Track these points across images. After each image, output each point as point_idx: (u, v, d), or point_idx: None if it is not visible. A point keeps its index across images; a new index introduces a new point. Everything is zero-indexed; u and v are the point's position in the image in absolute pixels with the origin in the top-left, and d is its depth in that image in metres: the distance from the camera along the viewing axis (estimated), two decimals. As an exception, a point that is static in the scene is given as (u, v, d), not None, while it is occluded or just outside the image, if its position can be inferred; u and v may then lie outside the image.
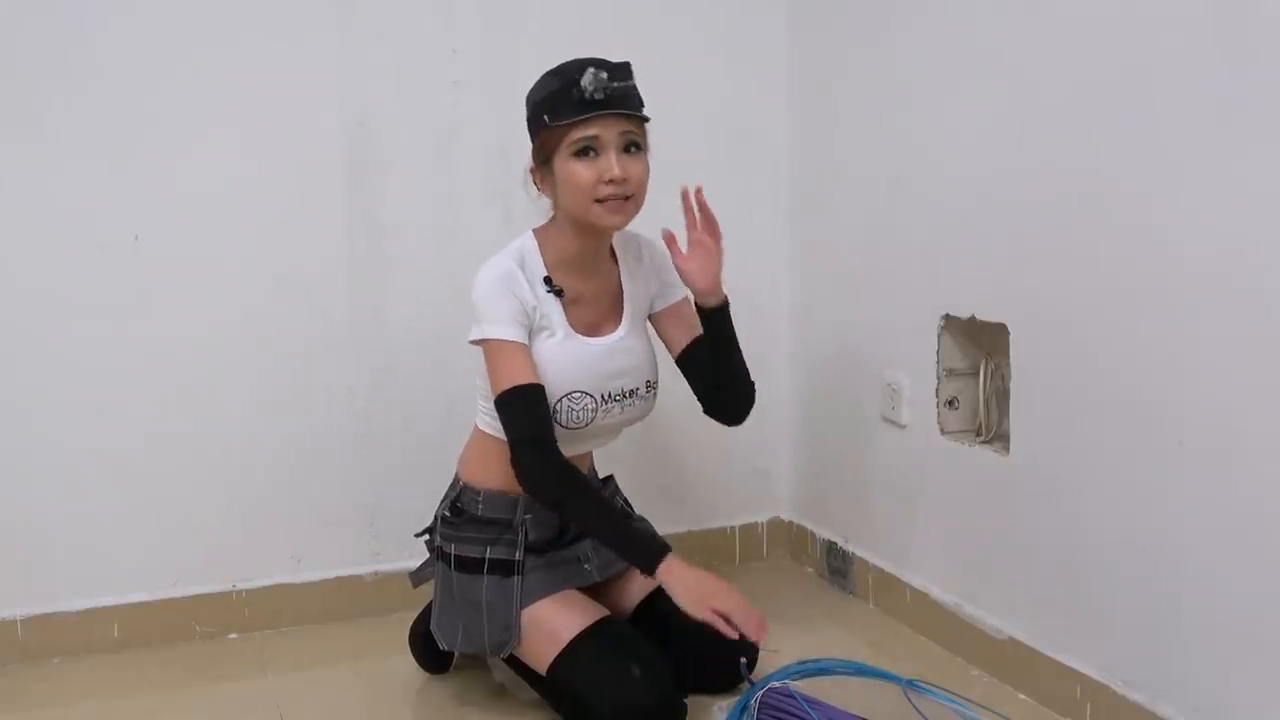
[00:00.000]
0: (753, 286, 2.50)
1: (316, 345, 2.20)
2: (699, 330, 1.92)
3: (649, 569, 1.71)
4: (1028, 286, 1.82)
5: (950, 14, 1.96)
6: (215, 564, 2.18)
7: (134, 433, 2.11)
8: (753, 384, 1.93)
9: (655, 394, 1.92)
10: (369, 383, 2.24)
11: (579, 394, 1.79)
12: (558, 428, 1.78)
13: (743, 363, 1.92)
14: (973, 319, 1.97)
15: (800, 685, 1.74)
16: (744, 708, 1.71)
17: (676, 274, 1.89)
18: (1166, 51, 1.54)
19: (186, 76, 2.08)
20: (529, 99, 1.79)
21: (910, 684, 1.82)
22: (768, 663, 1.89)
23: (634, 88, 1.76)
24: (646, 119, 1.79)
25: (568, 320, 1.81)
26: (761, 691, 1.71)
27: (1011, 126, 1.83)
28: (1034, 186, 1.79)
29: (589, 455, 1.98)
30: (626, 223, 1.79)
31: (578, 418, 1.80)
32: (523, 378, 1.73)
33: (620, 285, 1.91)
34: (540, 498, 1.76)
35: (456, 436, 1.97)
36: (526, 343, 1.76)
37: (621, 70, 1.74)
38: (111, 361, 2.08)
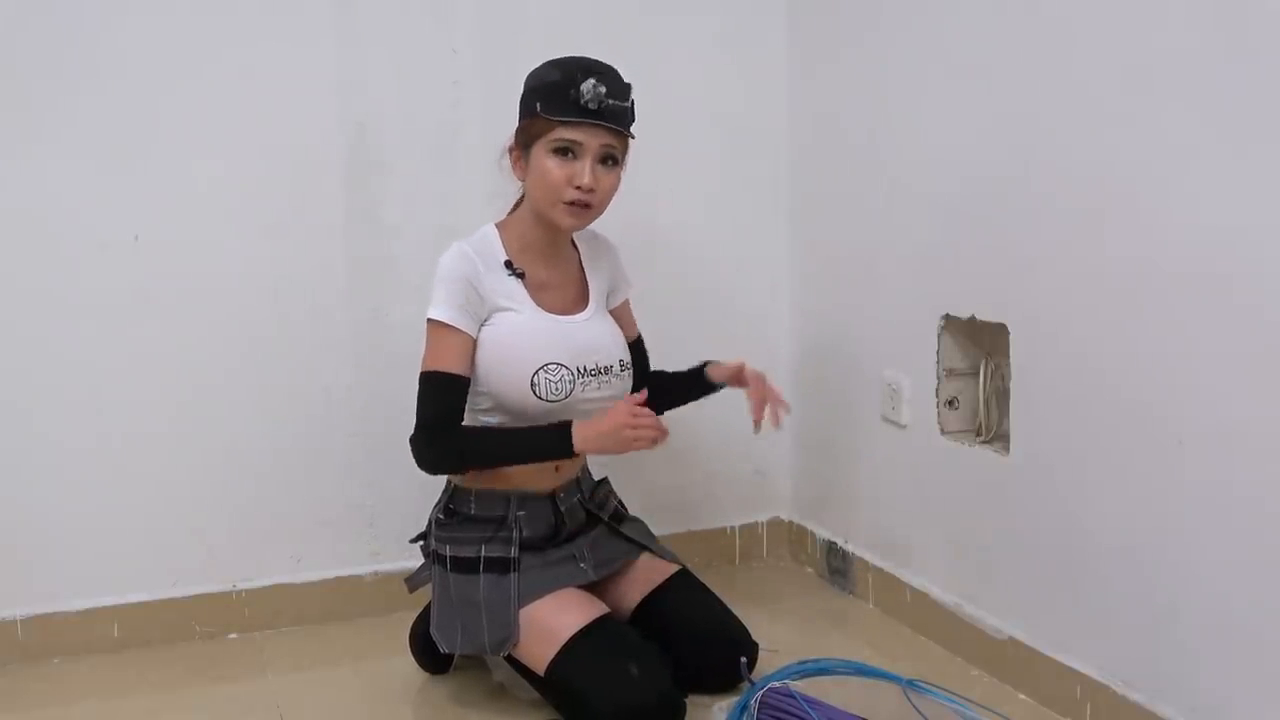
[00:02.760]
0: (753, 286, 2.51)
1: (316, 345, 2.20)
2: (633, 334, 2.04)
3: (568, 454, 1.78)
4: (1028, 286, 1.82)
5: (951, 14, 1.96)
6: (215, 564, 2.18)
7: (134, 432, 2.11)
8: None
9: (630, 375, 1.94)
10: (369, 382, 2.24)
11: (554, 365, 1.81)
12: (538, 401, 1.80)
13: None
14: (973, 319, 1.97)
15: (800, 685, 1.74)
16: (744, 708, 1.71)
17: (624, 275, 2.03)
18: (1167, 51, 1.54)
19: (186, 76, 2.08)
20: (528, 81, 1.84)
21: (910, 684, 1.82)
22: (768, 663, 1.90)
23: (629, 107, 1.81)
24: (632, 136, 1.84)
25: (534, 301, 1.85)
26: (761, 691, 1.71)
27: (1012, 127, 1.83)
28: (1034, 187, 1.79)
29: None
30: (582, 227, 1.88)
31: (556, 389, 1.81)
32: (449, 365, 1.79)
33: (582, 271, 1.96)
34: (439, 469, 1.83)
35: (456, 436, 1.97)
36: (469, 333, 1.80)
37: (621, 89, 1.79)
38: (111, 361, 2.08)
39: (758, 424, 1.95)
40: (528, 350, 1.80)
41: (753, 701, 1.70)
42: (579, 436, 1.76)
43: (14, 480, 2.06)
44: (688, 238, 2.43)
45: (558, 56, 1.82)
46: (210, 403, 2.15)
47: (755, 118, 2.46)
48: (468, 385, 1.81)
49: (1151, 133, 1.57)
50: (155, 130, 2.07)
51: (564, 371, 1.82)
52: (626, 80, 1.81)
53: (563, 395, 1.82)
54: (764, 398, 1.96)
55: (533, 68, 1.84)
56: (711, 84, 2.42)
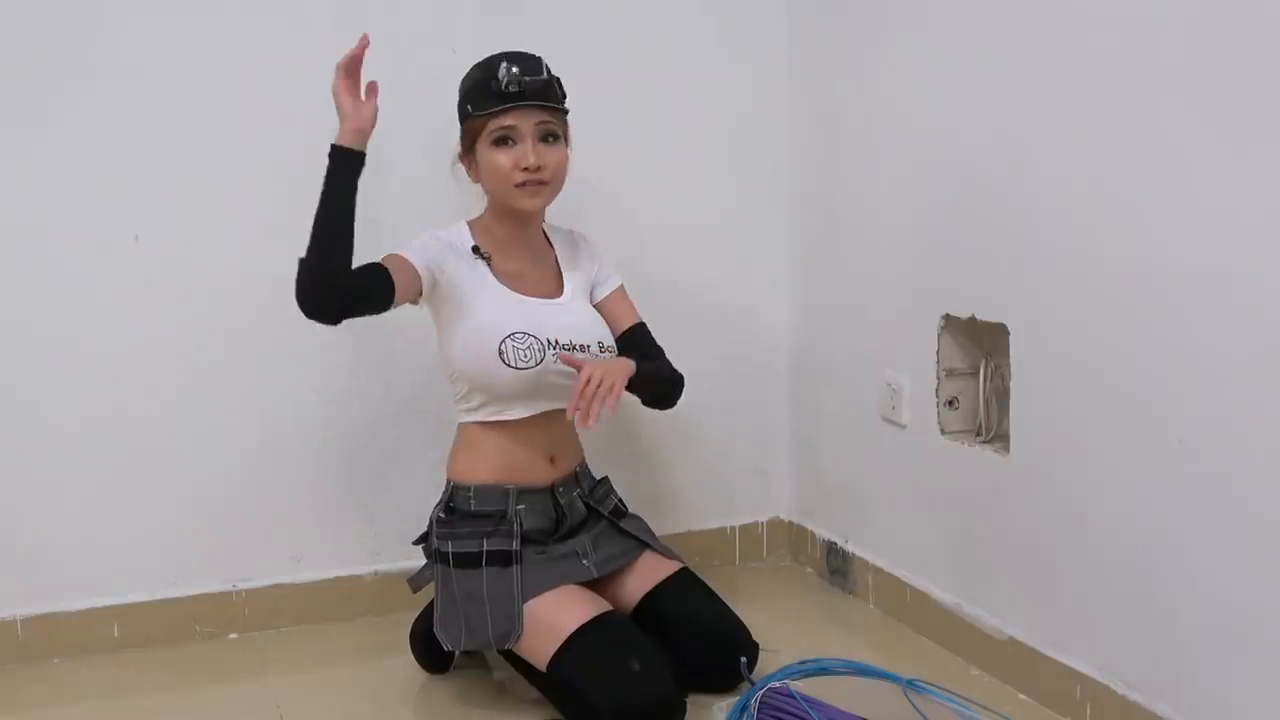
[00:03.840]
0: (753, 286, 2.51)
1: (316, 345, 2.20)
2: (632, 320, 2.01)
3: (342, 156, 1.69)
4: (1028, 286, 1.82)
5: (950, 13, 1.96)
6: (215, 564, 2.19)
7: (134, 432, 2.11)
8: (677, 379, 1.99)
9: (613, 358, 1.90)
10: (368, 383, 2.24)
11: (521, 334, 1.83)
12: (509, 370, 1.81)
13: (666, 376, 1.97)
14: (973, 319, 1.97)
15: (800, 685, 1.74)
16: (744, 708, 1.71)
17: (608, 269, 2.03)
18: (1167, 52, 1.54)
19: (186, 76, 2.08)
20: (459, 88, 1.90)
21: (910, 684, 1.82)
22: (768, 663, 1.90)
23: (550, 81, 1.85)
24: (565, 110, 1.88)
25: (503, 285, 1.88)
26: (761, 691, 1.71)
27: (1012, 126, 1.83)
28: (1035, 186, 1.79)
29: (574, 436, 1.98)
30: (544, 205, 1.90)
31: (524, 357, 1.82)
32: (384, 260, 1.76)
33: (557, 265, 1.99)
34: (304, 290, 1.71)
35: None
36: (420, 270, 1.79)
37: (533, 64, 1.83)
38: (111, 361, 2.09)
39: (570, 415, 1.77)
40: (493, 320, 1.83)
41: (753, 701, 1.70)
42: (337, 140, 1.70)
43: (14, 480, 2.06)
44: (688, 237, 2.43)
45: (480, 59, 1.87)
46: (210, 403, 2.15)
47: (755, 117, 2.46)
48: (383, 273, 1.74)
49: (1151, 133, 1.57)
50: (156, 130, 2.07)
51: (532, 340, 1.83)
52: (541, 58, 1.84)
53: (532, 363, 1.83)
54: (580, 392, 1.75)
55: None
56: (712, 83, 2.42)
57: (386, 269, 1.75)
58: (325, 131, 2.15)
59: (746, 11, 2.43)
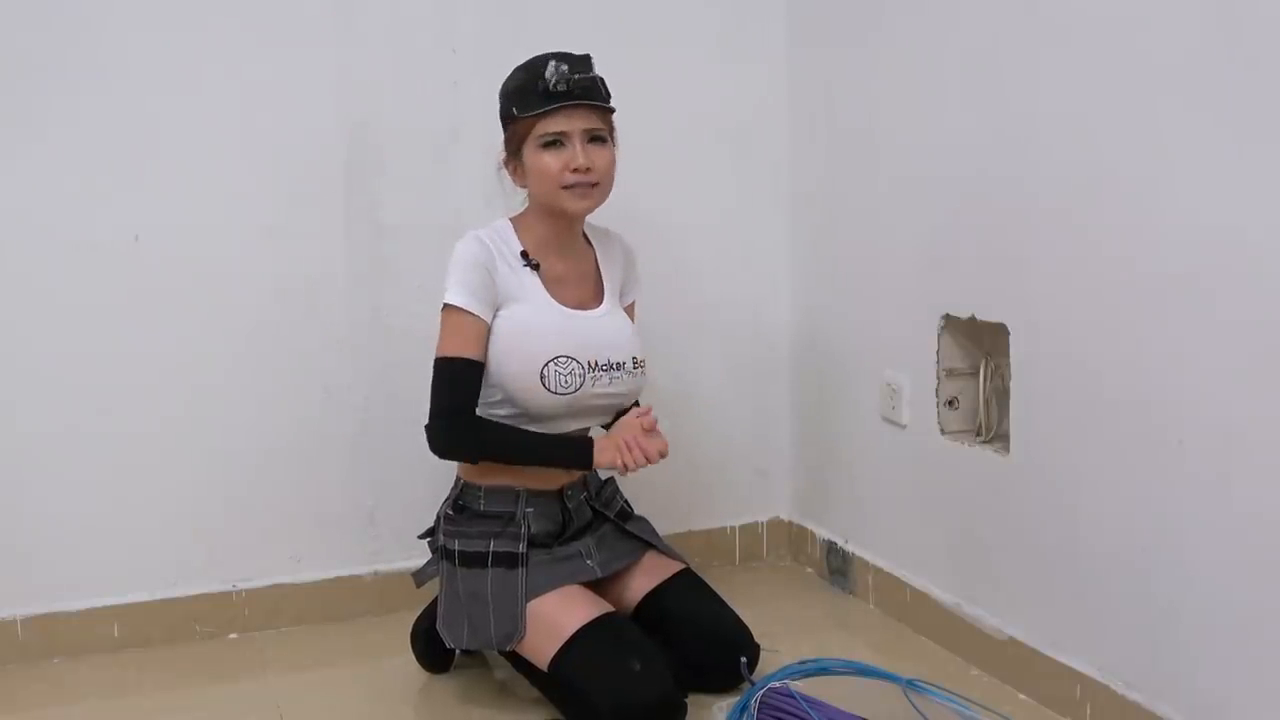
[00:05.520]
0: (753, 286, 2.51)
1: (316, 345, 2.20)
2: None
3: (586, 466, 1.83)
4: (1027, 287, 1.82)
5: (950, 13, 1.96)
6: (215, 564, 2.18)
7: (133, 432, 2.11)
8: None
9: (644, 373, 1.94)
10: (369, 383, 2.24)
11: (564, 359, 1.82)
12: (547, 394, 1.81)
13: None
14: (973, 319, 1.97)
15: (800, 685, 1.74)
16: (744, 708, 1.71)
17: (635, 279, 2.03)
18: (1166, 52, 1.54)
19: (186, 77, 2.08)
20: (500, 92, 1.88)
21: (910, 684, 1.82)
22: (768, 663, 1.90)
23: (597, 79, 1.84)
24: (611, 109, 1.86)
25: (548, 294, 1.86)
26: (761, 691, 1.71)
27: (1011, 126, 1.83)
28: (1034, 187, 1.79)
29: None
30: (593, 207, 1.88)
31: (565, 382, 1.82)
32: (462, 349, 1.80)
33: (598, 268, 1.97)
34: (453, 456, 1.86)
35: (456, 436, 1.97)
36: (483, 317, 1.81)
37: (582, 63, 1.82)
38: (112, 361, 2.08)
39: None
40: (537, 342, 1.81)
41: (753, 701, 1.70)
42: (598, 448, 1.81)
43: (14, 480, 2.06)
44: (688, 237, 2.43)
45: (522, 61, 1.85)
46: (210, 403, 2.15)
47: (755, 117, 2.46)
48: (482, 370, 1.81)
49: (1150, 133, 1.57)
50: (156, 131, 2.07)
51: (574, 364, 1.82)
52: (589, 55, 1.83)
53: (572, 389, 1.82)
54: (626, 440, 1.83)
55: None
56: (711, 83, 2.42)
57: (480, 367, 1.80)
58: (325, 131, 2.17)
59: (747, 12, 2.43)
